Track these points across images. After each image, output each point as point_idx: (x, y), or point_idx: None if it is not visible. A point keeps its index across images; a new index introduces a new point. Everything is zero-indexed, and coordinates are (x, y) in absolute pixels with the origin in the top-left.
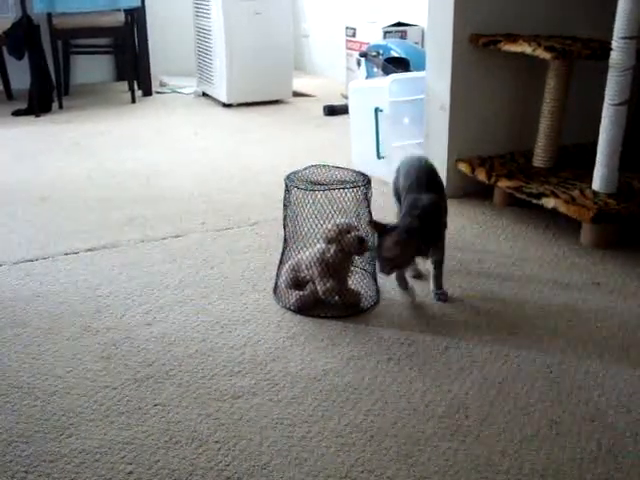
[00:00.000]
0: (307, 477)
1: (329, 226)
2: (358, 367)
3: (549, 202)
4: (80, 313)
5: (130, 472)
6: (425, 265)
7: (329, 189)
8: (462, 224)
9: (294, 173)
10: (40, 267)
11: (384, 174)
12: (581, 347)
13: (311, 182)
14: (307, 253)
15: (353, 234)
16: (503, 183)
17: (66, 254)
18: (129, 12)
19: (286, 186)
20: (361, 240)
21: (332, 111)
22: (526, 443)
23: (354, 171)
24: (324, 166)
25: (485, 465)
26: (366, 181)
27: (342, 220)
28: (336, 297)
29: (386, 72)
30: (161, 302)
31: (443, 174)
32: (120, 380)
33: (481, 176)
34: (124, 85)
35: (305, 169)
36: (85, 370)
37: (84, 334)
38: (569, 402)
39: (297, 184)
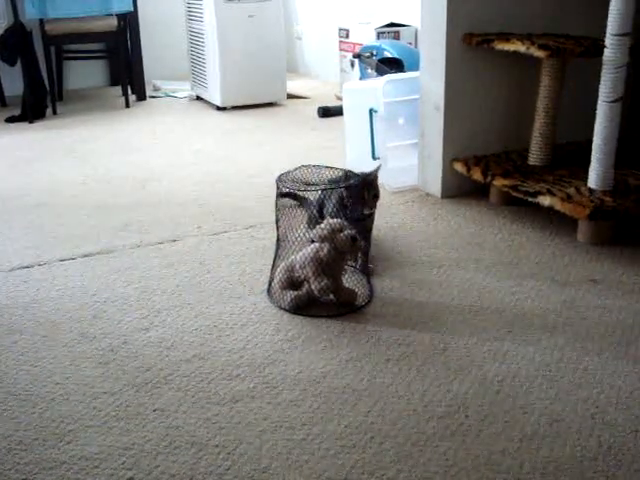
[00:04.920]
0: None
1: (322, 225)
2: (357, 368)
3: (545, 200)
4: (77, 319)
5: (130, 478)
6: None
7: (320, 189)
8: (459, 223)
9: (285, 174)
10: (36, 274)
11: (379, 175)
12: (580, 345)
13: (302, 182)
14: (300, 253)
15: (345, 232)
16: (499, 182)
17: (62, 260)
18: (121, 17)
19: (277, 187)
20: (353, 239)
21: (326, 112)
22: (526, 442)
23: (345, 170)
24: (315, 166)
25: (486, 464)
26: (359, 180)
27: (334, 219)
28: (331, 295)
29: (380, 73)
30: (158, 307)
31: (439, 174)
32: (118, 386)
33: (477, 175)
34: (118, 90)
35: (296, 169)
36: (83, 376)
37: (81, 340)
38: (568, 400)
39: (288, 185)
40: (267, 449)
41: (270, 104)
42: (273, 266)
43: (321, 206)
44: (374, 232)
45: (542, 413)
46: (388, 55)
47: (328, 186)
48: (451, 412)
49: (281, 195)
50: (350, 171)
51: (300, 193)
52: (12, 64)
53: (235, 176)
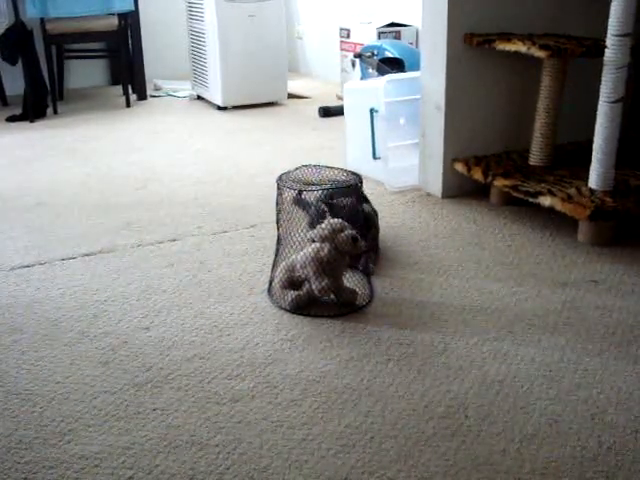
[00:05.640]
0: (307, 479)
1: (322, 225)
2: (357, 368)
3: (546, 200)
4: (78, 318)
5: (130, 477)
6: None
7: (321, 189)
8: (459, 223)
9: (286, 173)
10: (37, 273)
11: (380, 174)
12: (580, 345)
13: (303, 182)
14: (301, 252)
15: (346, 232)
16: (500, 182)
17: (63, 259)
18: (123, 16)
19: (278, 187)
20: (354, 239)
21: (327, 112)
22: (526, 442)
23: (346, 170)
24: (316, 166)
25: (486, 465)
26: (358, 180)
27: (335, 219)
28: (332, 295)
29: (381, 73)
30: (159, 306)
31: (439, 174)
32: (119, 385)
33: (477, 175)
34: (118, 89)
35: (296, 169)
36: (83, 375)
37: (82, 339)
38: (569, 400)
39: (289, 184)
40: (267, 449)
41: (271, 104)
42: (274, 266)
43: (331, 207)
44: None
45: (542, 413)
46: (389, 55)
47: (330, 187)
48: (451, 412)
49: (299, 194)
50: (352, 173)
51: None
52: (13, 63)
53: (236, 176)
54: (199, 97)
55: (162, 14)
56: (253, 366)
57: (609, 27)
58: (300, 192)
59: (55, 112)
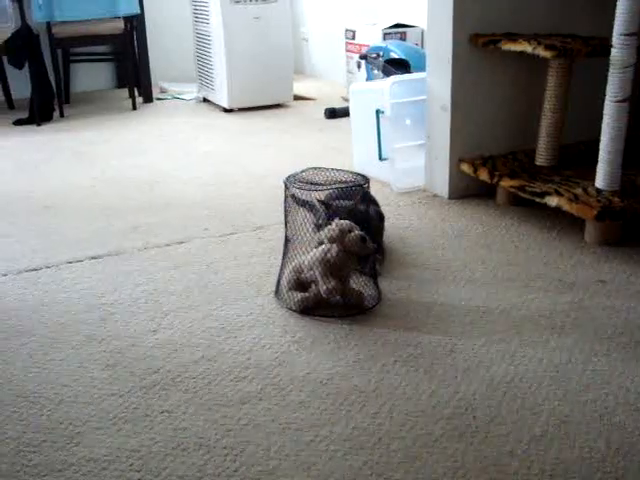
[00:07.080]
0: None
1: (331, 226)
2: (364, 370)
3: (552, 201)
4: (85, 321)
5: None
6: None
7: (328, 189)
8: (465, 224)
9: (293, 175)
10: (44, 276)
11: (386, 176)
12: (588, 346)
13: (310, 183)
14: (309, 254)
15: (355, 233)
16: (506, 183)
17: (70, 262)
18: (128, 19)
19: (286, 187)
20: (363, 239)
21: (333, 114)
22: (534, 443)
23: (352, 172)
24: (322, 168)
25: (494, 466)
26: (364, 182)
27: (343, 220)
28: (339, 297)
29: (386, 74)
30: (166, 309)
31: (446, 175)
32: (126, 388)
33: (483, 176)
34: (125, 92)
35: (303, 171)
36: (91, 378)
37: (90, 342)
38: (577, 401)
39: (296, 185)
40: (275, 451)
41: (277, 106)
42: (281, 267)
43: (327, 207)
44: None
45: (550, 414)
46: (395, 56)
47: (337, 187)
48: (459, 413)
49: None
50: (358, 175)
51: (305, 198)
52: (20, 67)
53: (242, 178)
54: (205, 99)
55: (167, 17)
56: (260, 368)
57: (615, 26)
58: (300, 193)
59: (61, 115)
